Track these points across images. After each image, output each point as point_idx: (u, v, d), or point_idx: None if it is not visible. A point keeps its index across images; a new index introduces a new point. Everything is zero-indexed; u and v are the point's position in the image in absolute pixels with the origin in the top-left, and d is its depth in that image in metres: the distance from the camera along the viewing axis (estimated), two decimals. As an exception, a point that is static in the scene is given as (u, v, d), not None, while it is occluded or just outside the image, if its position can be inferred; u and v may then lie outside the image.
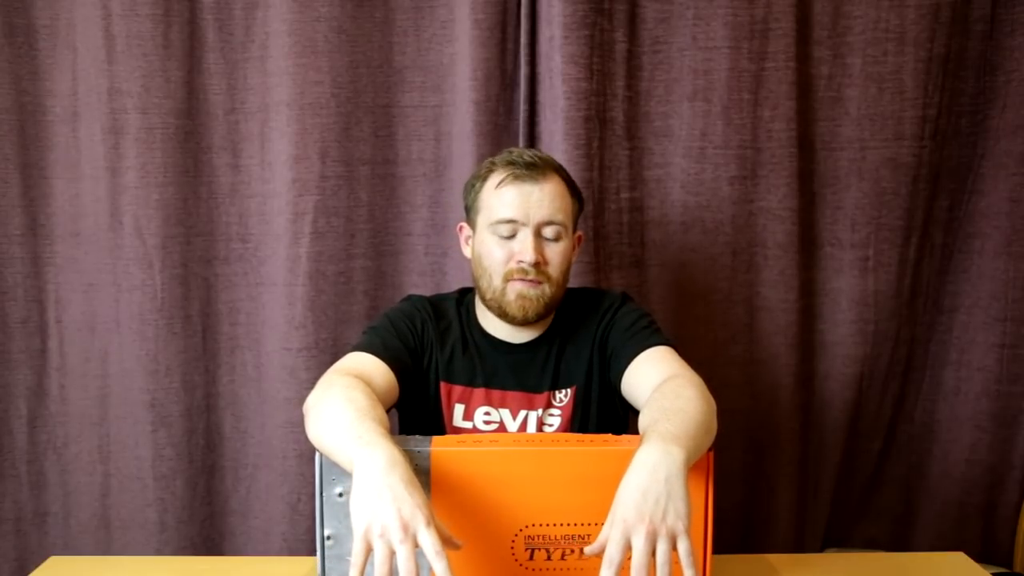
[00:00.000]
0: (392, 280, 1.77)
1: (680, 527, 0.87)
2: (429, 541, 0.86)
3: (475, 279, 1.31)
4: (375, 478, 0.89)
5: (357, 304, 1.75)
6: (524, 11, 1.67)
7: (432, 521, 0.87)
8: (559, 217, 1.24)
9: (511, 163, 1.25)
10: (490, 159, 1.31)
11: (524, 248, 1.23)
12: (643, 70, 1.70)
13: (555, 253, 1.25)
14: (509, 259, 1.24)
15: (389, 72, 1.71)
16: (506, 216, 1.24)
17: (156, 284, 1.72)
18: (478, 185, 1.29)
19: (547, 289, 1.25)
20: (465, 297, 1.36)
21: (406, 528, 0.85)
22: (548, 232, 1.24)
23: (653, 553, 0.87)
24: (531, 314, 1.25)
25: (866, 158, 1.71)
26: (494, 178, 1.26)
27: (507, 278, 1.25)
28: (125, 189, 1.70)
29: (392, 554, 0.85)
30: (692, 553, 0.87)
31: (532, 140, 1.72)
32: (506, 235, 1.24)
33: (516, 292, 1.24)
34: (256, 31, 1.69)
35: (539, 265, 1.23)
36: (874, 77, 1.69)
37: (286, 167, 1.69)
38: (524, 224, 1.23)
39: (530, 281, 1.24)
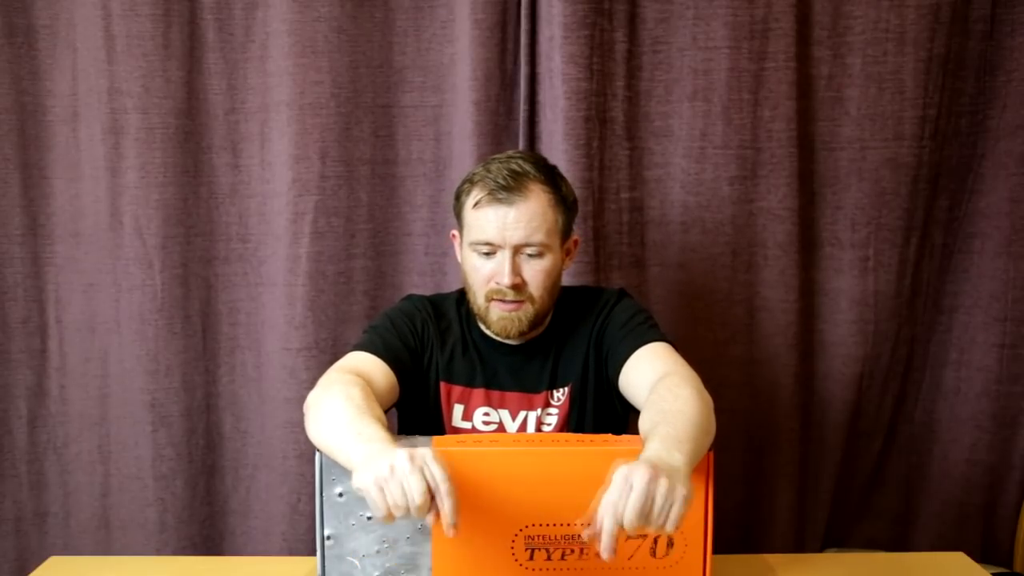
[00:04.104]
0: (392, 280, 1.77)
1: (681, 493, 0.85)
2: (438, 474, 0.86)
3: (465, 289, 1.31)
4: (376, 455, 0.90)
5: (357, 304, 1.75)
6: (524, 11, 1.67)
7: (438, 460, 0.87)
8: (537, 237, 1.22)
9: (487, 182, 1.22)
10: (473, 171, 1.28)
11: (501, 271, 1.22)
12: (643, 70, 1.70)
13: (536, 271, 1.23)
14: (490, 279, 1.24)
15: (389, 72, 1.71)
16: (483, 238, 1.22)
17: (156, 284, 1.72)
18: (461, 199, 1.27)
19: (528, 308, 1.24)
20: (465, 297, 1.36)
21: (413, 460, 0.86)
22: (527, 251, 1.23)
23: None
24: (513, 333, 1.25)
25: (866, 158, 1.71)
26: (472, 197, 1.24)
27: (488, 298, 1.24)
28: (125, 189, 1.70)
29: (404, 494, 0.85)
30: (681, 515, 0.85)
31: (532, 140, 1.72)
32: (486, 253, 1.24)
33: (497, 315, 1.25)
34: (256, 31, 1.69)
35: (518, 287, 1.22)
36: (874, 77, 1.69)
37: (286, 167, 1.69)
38: (501, 246, 1.22)
39: (510, 303, 1.23)
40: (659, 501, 0.84)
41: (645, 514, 0.83)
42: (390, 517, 0.86)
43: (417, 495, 0.84)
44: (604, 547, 0.84)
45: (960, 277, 1.79)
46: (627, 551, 0.99)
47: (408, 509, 0.85)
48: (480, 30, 1.65)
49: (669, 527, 0.84)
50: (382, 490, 0.86)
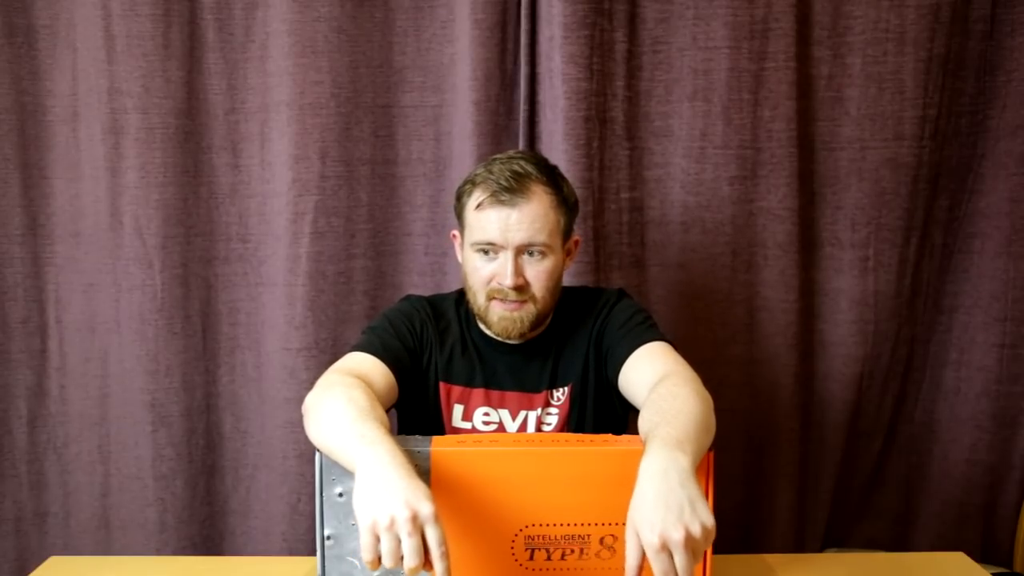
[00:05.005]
0: (392, 280, 1.77)
1: (707, 535, 0.86)
2: (435, 538, 0.86)
3: (465, 289, 1.31)
4: (380, 472, 0.89)
5: (357, 304, 1.75)
6: (524, 11, 1.67)
7: (438, 518, 0.87)
8: (539, 238, 1.22)
9: (490, 183, 1.22)
10: (474, 172, 1.28)
11: (503, 271, 1.22)
12: (643, 70, 1.70)
13: (538, 272, 1.23)
14: (491, 279, 1.24)
15: (389, 72, 1.71)
16: (485, 239, 1.22)
17: (156, 284, 1.72)
18: (463, 200, 1.27)
19: (530, 308, 1.24)
20: (464, 297, 1.35)
21: (414, 520, 0.85)
22: (530, 252, 1.23)
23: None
24: (514, 334, 1.26)
25: (866, 158, 1.71)
26: (474, 198, 1.24)
27: (489, 297, 1.25)
28: (125, 189, 1.70)
29: (399, 546, 0.85)
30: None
31: (532, 140, 1.72)
32: (488, 254, 1.24)
33: (498, 315, 1.25)
34: (256, 31, 1.69)
35: (520, 287, 1.23)
36: (874, 77, 1.69)
37: (286, 167, 1.69)
38: (503, 247, 1.22)
39: (511, 303, 1.23)
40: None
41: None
42: (375, 565, 0.86)
43: (412, 558, 0.84)
44: None
45: (960, 277, 1.79)
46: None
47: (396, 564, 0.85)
48: (480, 30, 1.65)
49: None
50: (377, 537, 0.86)
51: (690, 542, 0.84)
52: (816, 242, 1.77)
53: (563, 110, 1.66)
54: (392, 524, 0.85)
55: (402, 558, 0.85)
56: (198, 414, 1.78)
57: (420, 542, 0.85)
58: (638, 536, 0.86)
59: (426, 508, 0.86)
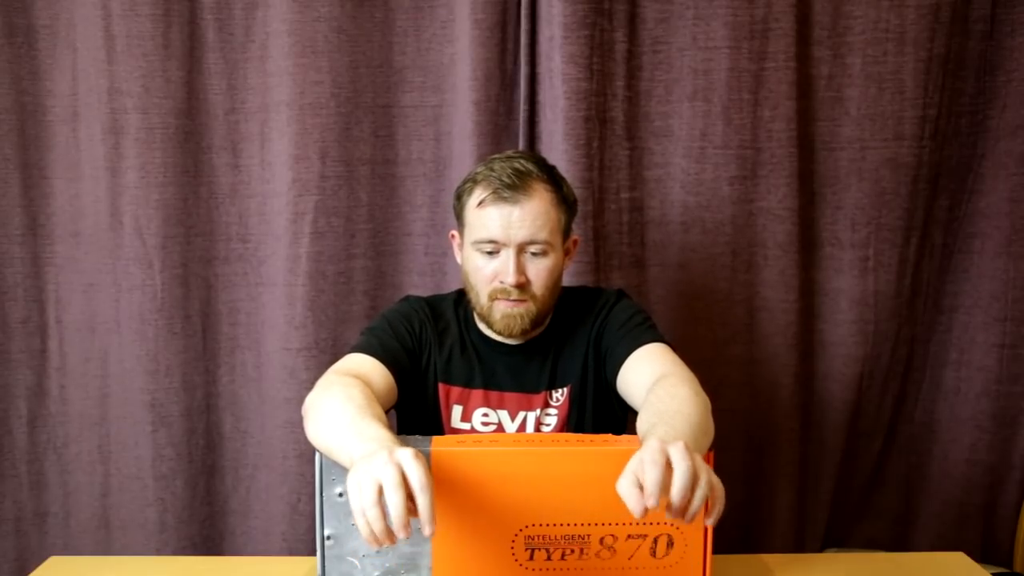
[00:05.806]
0: (392, 280, 1.77)
1: (711, 480, 0.81)
2: (416, 472, 0.81)
3: (466, 289, 1.31)
4: (374, 454, 0.87)
5: (357, 304, 1.75)
6: (524, 11, 1.67)
7: (426, 469, 0.83)
8: (541, 236, 1.22)
9: (492, 181, 1.22)
10: (475, 171, 1.28)
11: (505, 269, 1.22)
12: (643, 70, 1.70)
13: (540, 269, 1.24)
14: (493, 278, 1.24)
15: (389, 72, 1.71)
16: (486, 237, 1.22)
17: (156, 284, 1.72)
18: (464, 199, 1.27)
19: (532, 306, 1.24)
20: (463, 298, 1.35)
21: (398, 467, 0.82)
22: (531, 250, 1.23)
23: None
24: (516, 332, 1.26)
25: (866, 158, 1.71)
26: (476, 196, 1.24)
27: (492, 297, 1.24)
28: (125, 189, 1.70)
29: (380, 493, 0.81)
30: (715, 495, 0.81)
31: (532, 140, 1.72)
32: (489, 252, 1.24)
33: (501, 312, 1.24)
34: (256, 31, 1.69)
35: (522, 285, 1.23)
36: (874, 77, 1.69)
37: (286, 167, 1.69)
38: (505, 245, 1.22)
39: (513, 301, 1.23)
40: (703, 486, 0.80)
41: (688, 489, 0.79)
42: (368, 529, 0.81)
43: (395, 496, 0.79)
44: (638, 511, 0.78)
45: (960, 277, 1.80)
46: (627, 551, 0.99)
47: (378, 514, 0.81)
48: (480, 30, 1.65)
49: (711, 521, 0.82)
50: (359, 486, 0.82)
51: (694, 457, 0.80)
52: (816, 242, 1.77)
53: (563, 110, 1.66)
54: (372, 458, 0.82)
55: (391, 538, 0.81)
56: (198, 414, 1.78)
57: (404, 498, 0.80)
58: (636, 478, 0.79)
59: (406, 452, 0.82)
